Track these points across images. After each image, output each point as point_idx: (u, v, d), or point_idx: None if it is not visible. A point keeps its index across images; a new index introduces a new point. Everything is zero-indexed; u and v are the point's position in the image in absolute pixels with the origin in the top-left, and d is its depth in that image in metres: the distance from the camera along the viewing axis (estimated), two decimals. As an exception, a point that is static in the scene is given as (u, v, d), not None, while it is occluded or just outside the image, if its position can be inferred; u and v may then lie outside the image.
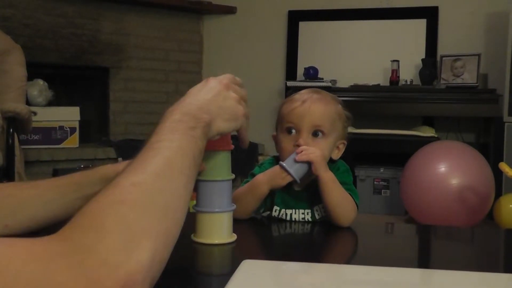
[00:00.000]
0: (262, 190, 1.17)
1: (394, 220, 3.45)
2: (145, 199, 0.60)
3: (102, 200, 0.59)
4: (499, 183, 3.32)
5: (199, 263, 0.97)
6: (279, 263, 0.85)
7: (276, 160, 1.23)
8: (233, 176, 1.04)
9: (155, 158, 0.65)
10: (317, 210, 1.21)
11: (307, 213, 1.21)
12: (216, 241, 0.97)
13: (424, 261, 1.06)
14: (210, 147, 1.02)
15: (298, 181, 1.15)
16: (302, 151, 1.15)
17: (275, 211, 1.23)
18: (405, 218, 3.53)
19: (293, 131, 1.20)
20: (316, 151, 1.15)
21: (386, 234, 1.28)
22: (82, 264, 0.51)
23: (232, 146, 1.04)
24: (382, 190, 3.75)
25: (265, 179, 1.17)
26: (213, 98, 0.81)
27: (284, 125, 1.21)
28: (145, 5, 4.18)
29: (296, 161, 1.15)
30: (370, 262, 0.85)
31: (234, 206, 1.02)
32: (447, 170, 3.13)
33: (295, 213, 1.22)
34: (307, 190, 1.21)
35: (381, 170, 3.77)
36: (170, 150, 0.67)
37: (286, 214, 1.22)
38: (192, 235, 1.01)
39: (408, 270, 0.82)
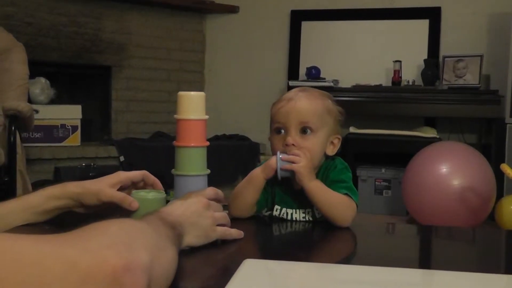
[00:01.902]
0: (259, 179, 1.18)
1: (396, 221, 3.45)
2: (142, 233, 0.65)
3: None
4: (501, 184, 3.32)
5: (197, 260, 0.97)
6: (280, 262, 0.85)
7: None
8: (208, 171, 1.07)
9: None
10: (317, 209, 1.21)
11: (308, 212, 1.21)
12: None
13: (425, 261, 1.06)
14: (186, 144, 1.06)
15: (279, 177, 1.16)
16: (289, 155, 1.15)
17: (276, 210, 1.23)
18: (406, 219, 3.52)
19: (282, 130, 1.20)
20: (301, 160, 1.14)
21: (387, 234, 1.28)
22: (88, 243, 0.54)
23: (207, 143, 1.07)
24: (384, 191, 3.75)
25: (260, 168, 1.19)
26: (189, 215, 0.89)
27: (273, 126, 1.22)
28: (147, 4, 4.18)
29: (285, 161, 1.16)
30: (371, 262, 0.85)
31: None
32: (449, 171, 3.13)
33: (296, 213, 1.22)
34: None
35: (383, 171, 3.76)
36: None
37: (287, 213, 1.22)
38: None
39: (409, 270, 0.82)
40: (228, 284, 0.67)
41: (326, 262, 0.93)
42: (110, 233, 0.58)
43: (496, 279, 0.77)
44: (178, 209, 0.88)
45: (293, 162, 1.14)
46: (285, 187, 1.21)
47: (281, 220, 1.22)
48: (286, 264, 0.84)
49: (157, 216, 0.79)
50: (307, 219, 1.21)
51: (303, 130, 1.18)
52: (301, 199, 1.21)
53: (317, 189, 1.15)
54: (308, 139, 1.18)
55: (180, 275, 0.88)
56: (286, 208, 1.22)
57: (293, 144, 1.17)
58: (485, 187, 3.12)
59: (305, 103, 1.19)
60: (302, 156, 1.15)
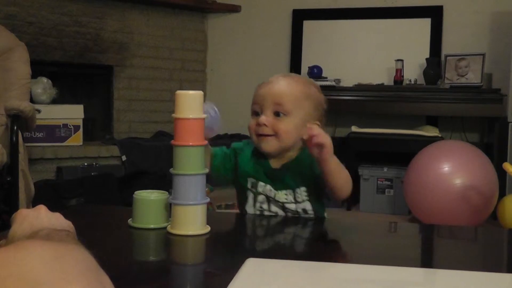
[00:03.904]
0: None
1: (398, 220, 3.45)
2: None
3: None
4: (503, 183, 3.31)
5: (201, 259, 0.97)
6: (283, 261, 0.85)
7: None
8: (207, 170, 1.07)
9: None
10: (298, 193, 1.22)
11: (289, 194, 1.23)
12: (191, 232, 1.00)
13: (427, 260, 1.06)
14: (184, 143, 1.07)
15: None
16: (316, 134, 1.12)
17: (260, 187, 1.24)
18: (408, 218, 3.52)
19: (259, 112, 1.24)
20: (328, 137, 1.14)
21: (390, 233, 1.28)
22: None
23: (206, 142, 1.09)
24: (386, 190, 3.75)
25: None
26: (54, 222, 0.67)
27: (252, 109, 1.27)
28: (149, 3, 4.18)
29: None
30: (373, 261, 0.85)
31: (208, 199, 1.07)
32: (451, 170, 3.13)
33: (278, 194, 1.23)
34: (287, 171, 1.23)
35: (385, 170, 3.76)
36: None
37: (270, 190, 1.23)
38: (168, 227, 1.03)
39: (411, 269, 0.82)
40: (231, 283, 0.68)
41: (328, 261, 0.93)
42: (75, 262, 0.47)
43: (498, 278, 0.77)
44: (41, 219, 0.67)
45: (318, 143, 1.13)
46: (262, 164, 1.24)
47: (282, 219, 1.22)
48: (288, 263, 0.84)
49: (53, 232, 0.60)
50: (288, 200, 1.22)
51: (277, 113, 1.22)
52: (282, 180, 1.23)
53: (337, 166, 1.16)
54: (282, 121, 1.21)
55: (183, 274, 0.88)
56: (270, 186, 1.23)
57: (265, 124, 1.21)
58: (487, 186, 3.12)
59: (281, 86, 1.23)
60: (325, 135, 1.14)
